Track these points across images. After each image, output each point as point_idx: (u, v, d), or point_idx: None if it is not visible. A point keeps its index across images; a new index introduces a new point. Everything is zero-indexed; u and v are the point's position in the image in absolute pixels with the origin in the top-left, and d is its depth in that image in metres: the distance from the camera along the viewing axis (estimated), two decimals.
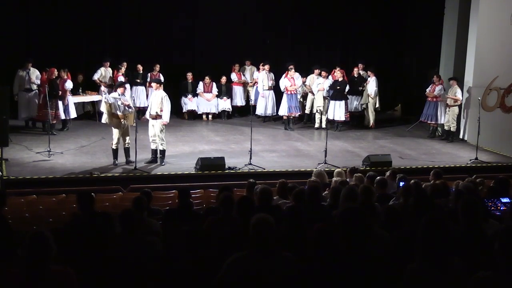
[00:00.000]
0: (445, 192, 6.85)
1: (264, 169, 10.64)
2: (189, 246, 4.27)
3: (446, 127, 14.01)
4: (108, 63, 14.66)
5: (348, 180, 8.02)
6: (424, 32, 16.75)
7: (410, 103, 17.00)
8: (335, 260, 3.40)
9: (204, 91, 15.59)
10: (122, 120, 10.49)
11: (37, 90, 13.21)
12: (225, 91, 15.77)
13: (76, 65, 14.73)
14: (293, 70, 14.53)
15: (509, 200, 6.33)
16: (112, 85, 13.63)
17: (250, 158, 10.79)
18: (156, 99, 10.66)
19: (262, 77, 15.20)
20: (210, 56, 16.20)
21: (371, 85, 15.02)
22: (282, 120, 15.01)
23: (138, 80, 15.03)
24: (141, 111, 13.98)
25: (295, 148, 12.61)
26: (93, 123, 14.34)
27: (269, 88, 15.21)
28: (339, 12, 17.32)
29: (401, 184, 7.45)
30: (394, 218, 4.97)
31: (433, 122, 14.21)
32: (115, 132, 10.51)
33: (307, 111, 15.40)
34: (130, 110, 10.53)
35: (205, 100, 15.60)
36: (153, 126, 10.69)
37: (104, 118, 10.84)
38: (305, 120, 15.57)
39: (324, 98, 14.69)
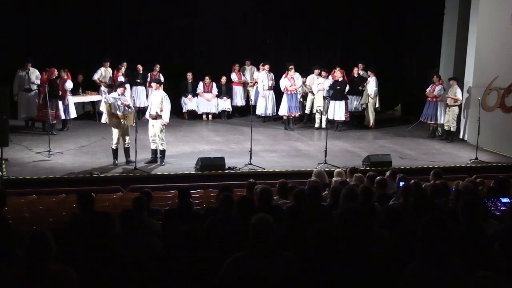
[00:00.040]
0: (445, 192, 6.85)
1: (264, 169, 10.64)
2: (189, 246, 4.27)
3: (446, 127, 14.01)
4: (108, 63, 14.66)
5: (348, 180, 8.02)
6: (424, 32, 16.75)
7: (410, 103, 17.00)
8: (335, 260, 3.40)
9: (204, 91, 15.59)
10: (121, 120, 10.49)
11: (37, 90, 13.21)
12: (225, 91, 15.77)
13: (76, 65, 14.73)
14: (293, 70, 14.53)
15: (509, 200, 6.33)
16: (112, 85, 13.63)
17: (250, 158, 10.79)
18: (156, 99, 10.66)
19: (262, 77, 15.20)
20: (210, 56, 16.21)
21: (371, 85, 15.02)
22: (282, 120, 15.01)
23: (138, 80, 15.03)
24: (141, 111, 13.98)
25: (295, 148, 12.61)
26: (93, 123, 14.34)
27: (269, 88, 15.21)
28: (339, 12, 17.32)
29: (401, 184, 7.45)
30: (394, 218, 4.97)
31: (433, 122, 14.21)
32: (115, 132, 10.51)
33: (307, 111, 15.40)
34: (130, 110, 10.53)
35: (205, 100, 15.60)
36: (153, 126, 10.69)
37: (104, 118, 10.84)
38: (305, 120, 15.57)
39: (324, 98, 14.69)
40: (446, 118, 13.89)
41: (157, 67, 15.04)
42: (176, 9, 15.99)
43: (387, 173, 8.19)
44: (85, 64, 15.32)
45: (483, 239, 4.13)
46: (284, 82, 14.53)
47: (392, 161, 11.05)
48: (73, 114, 13.66)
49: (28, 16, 15.05)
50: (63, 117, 13.30)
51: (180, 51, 16.47)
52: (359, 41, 17.51)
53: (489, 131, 12.70)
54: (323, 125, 14.21)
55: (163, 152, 10.81)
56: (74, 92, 14.01)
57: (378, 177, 7.41)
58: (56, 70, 13.03)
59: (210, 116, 15.73)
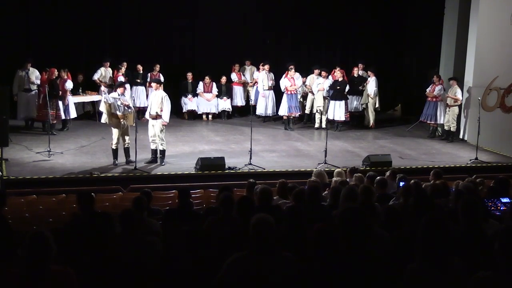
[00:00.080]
0: (445, 192, 6.85)
1: (264, 169, 10.64)
2: (189, 246, 4.28)
3: (446, 127, 14.01)
4: (108, 63, 14.66)
5: (348, 180, 8.02)
6: (424, 32, 16.75)
7: (410, 103, 17.00)
8: (335, 260, 3.40)
9: (204, 91, 15.59)
10: (121, 120, 10.49)
11: (36, 90, 13.21)
12: (225, 91, 15.77)
13: (76, 65, 14.73)
14: (293, 70, 14.53)
15: (509, 200, 6.33)
16: (112, 85, 13.63)
17: (250, 158, 10.79)
18: (156, 99, 10.66)
19: (262, 77, 15.20)
20: (210, 56, 16.20)
21: (371, 85, 15.03)
22: (282, 120, 15.01)
23: (138, 80, 15.03)
24: (141, 111, 13.97)
25: (295, 148, 12.61)
26: (93, 123, 14.34)
27: (269, 88, 15.21)
28: (339, 12, 17.31)
29: (401, 184, 7.45)
30: (394, 218, 4.97)
31: (433, 122, 14.22)
32: (115, 132, 10.51)
33: (307, 111, 15.40)
34: (129, 110, 10.53)
35: (205, 100, 15.61)
36: (153, 126, 10.68)
37: (104, 118, 10.84)
38: (305, 120, 15.57)
39: (324, 98, 14.69)
40: (446, 118, 13.89)
41: (157, 67, 15.04)
42: (176, 9, 16.00)
43: (387, 173, 8.19)
44: (85, 64, 15.31)
45: (483, 239, 4.13)
46: (284, 82, 14.53)
47: (392, 161, 11.05)
48: (73, 114, 13.66)
49: (28, 16, 15.04)
50: (63, 117, 13.30)
51: (180, 51, 16.48)
52: (359, 41, 17.51)
53: (489, 131, 12.70)
54: (323, 125, 14.21)
55: (163, 152, 10.80)
56: (74, 92, 14.01)
57: (378, 177, 7.41)
58: (56, 70, 13.03)
59: (210, 116, 15.73)
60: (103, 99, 11.39)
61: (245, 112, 15.84)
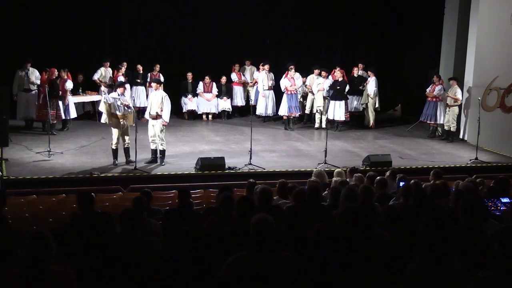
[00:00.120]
0: (445, 192, 6.85)
1: (264, 169, 10.64)
2: (189, 246, 4.27)
3: (446, 127, 14.01)
4: (108, 63, 14.66)
5: (348, 180, 8.02)
6: (424, 32, 16.74)
7: (410, 103, 17.00)
8: (335, 260, 3.40)
9: (204, 91, 15.59)
10: (121, 120, 10.49)
11: (36, 90, 13.21)
12: (225, 91, 15.77)
13: (76, 65, 14.73)
14: (293, 70, 14.53)
15: (509, 200, 6.33)
16: (112, 85, 13.64)
17: (250, 158, 10.79)
18: (156, 99, 10.65)
19: (262, 77, 15.20)
20: (210, 56, 16.20)
21: (371, 85, 15.03)
22: (282, 120, 15.01)
23: (138, 80, 15.04)
24: (141, 111, 13.96)
25: (295, 148, 12.61)
26: (93, 123, 14.34)
27: (269, 88, 15.21)
28: (339, 12, 17.31)
29: (401, 184, 7.45)
30: (394, 218, 4.97)
31: (433, 122, 14.22)
32: (115, 132, 10.51)
33: (307, 111, 15.39)
34: (129, 110, 10.53)
35: (205, 100, 15.61)
36: (153, 126, 10.68)
37: (104, 118, 10.84)
38: (305, 120, 15.57)
39: (324, 98, 14.69)
40: (446, 118, 13.89)
41: (157, 67, 15.05)
42: (176, 9, 16.00)
43: (387, 173, 8.19)
44: (85, 64, 15.32)
45: (483, 239, 4.13)
46: (284, 82, 14.53)
47: (392, 161, 11.05)
48: (73, 114, 13.65)
49: (28, 16, 15.04)
50: (63, 117, 13.30)
51: (180, 51, 16.47)
52: (359, 41, 17.52)
53: (489, 131, 12.70)
54: (323, 125, 14.21)
55: (163, 152, 10.80)
56: (74, 92, 14.01)
57: (378, 177, 7.41)
58: (56, 70, 13.03)
59: (210, 116, 15.73)
60: (102, 99, 11.39)
61: (245, 112, 15.84)
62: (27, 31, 15.08)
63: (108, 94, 11.03)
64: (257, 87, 15.56)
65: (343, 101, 14.44)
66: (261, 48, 16.75)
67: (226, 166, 10.53)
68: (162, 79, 13.73)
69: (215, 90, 15.60)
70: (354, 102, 15.23)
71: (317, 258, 3.64)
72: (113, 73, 14.64)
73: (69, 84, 13.30)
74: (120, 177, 10.03)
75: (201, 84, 15.58)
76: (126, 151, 10.67)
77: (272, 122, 15.51)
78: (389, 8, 17.18)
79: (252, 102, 13.72)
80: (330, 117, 14.48)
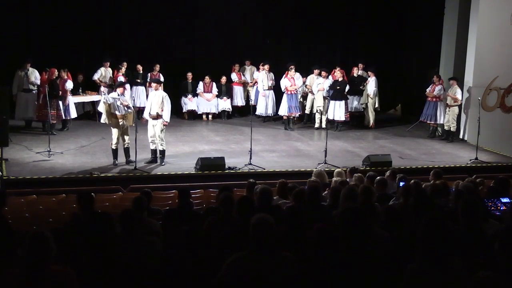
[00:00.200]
0: (445, 192, 6.85)
1: (264, 169, 10.63)
2: (189, 246, 4.27)
3: (446, 127, 14.01)
4: (108, 63, 14.67)
5: (348, 180, 8.02)
6: (424, 32, 16.74)
7: (410, 103, 17.00)
8: (335, 260, 3.40)
9: (204, 91, 15.59)
10: (120, 120, 10.49)
11: (36, 90, 13.21)
12: (225, 91, 15.77)
13: (76, 65, 14.72)
14: (293, 70, 14.53)
15: (509, 200, 6.33)
16: (112, 85, 13.64)
17: (250, 158, 10.79)
18: (156, 99, 10.65)
19: (262, 77, 15.20)
20: (210, 56, 16.20)
21: (371, 85, 15.03)
22: (282, 120, 15.01)
23: (138, 80, 15.04)
24: (141, 111, 13.94)
25: (295, 148, 12.61)
26: (93, 123, 14.34)
27: (269, 88, 15.22)
28: (339, 12, 17.31)
29: (401, 184, 7.44)
30: (394, 218, 4.97)
31: (433, 122, 14.22)
32: (115, 132, 10.51)
33: (307, 111, 15.40)
34: (129, 110, 10.53)
35: (205, 100, 15.61)
36: (154, 126, 10.67)
37: (103, 118, 10.84)
38: (305, 120, 15.57)
39: (324, 98, 14.69)
40: (446, 118, 13.89)
41: (157, 67, 15.05)
42: (176, 9, 16.00)
43: (387, 173, 8.19)
44: (85, 64, 15.31)
45: (483, 239, 4.13)
46: (284, 82, 14.53)
47: (392, 161, 11.05)
48: (73, 114, 13.66)
49: (28, 16, 15.05)
50: (63, 117, 13.30)
51: (180, 51, 16.46)
52: (359, 41, 17.52)
53: (489, 131, 12.70)
54: (323, 125, 14.21)
55: (163, 152, 10.80)
56: (74, 92, 14.01)
57: (378, 177, 7.41)
58: (56, 70, 13.03)
59: (210, 116, 15.73)
60: (102, 99, 11.40)
61: (245, 112, 15.84)
62: (27, 31, 15.09)
63: (108, 94, 11.03)
64: (257, 87, 15.56)
65: (343, 101, 14.45)
66: (261, 48, 16.76)
67: (226, 166, 10.53)
68: (162, 79, 13.73)
69: (215, 90, 15.60)
70: (354, 102, 15.24)
71: (317, 258, 3.64)
72: (113, 73, 14.64)
73: (69, 84, 13.30)
74: (120, 177, 10.03)
75: (201, 84, 15.58)
76: (126, 151, 10.67)
77: (272, 122, 15.51)
78: (389, 8, 17.18)
79: (252, 102, 13.71)
80: (330, 117, 14.49)
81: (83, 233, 4.90)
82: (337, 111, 14.38)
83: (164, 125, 10.67)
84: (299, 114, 15.08)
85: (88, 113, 15.11)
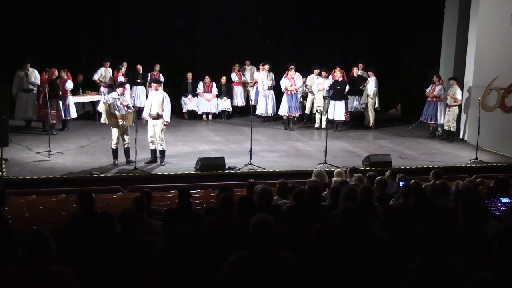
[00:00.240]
0: (445, 192, 6.85)
1: (264, 169, 10.63)
2: (189, 246, 4.27)
3: (446, 127, 14.01)
4: (108, 63, 14.67)
5: (348, 180, 8.02)
6: (424, 32, 16.74)
7: (410, 103, 17.00)
8: (335, 260, 3.40)
9: (204, 91, 15.59)
10: (120, 120, 10.48)
11: (36, 91, 13.20)
12: (225, 91, 15.77)
13: (76, 65, 14.73)
14: (293, 70, 14.53)
15: (509, 200, 6.33)
16: (112, 85, 13.64)
17: (250, 158, 10.79)
18: (156, 99, 10.65)
19: (262, 77, 15.20)
20: (210, 56, 16.20)
21: (371, 85, 15.03)
22: (282, 120, 15.02)
23: (138, 80, 15.04)
24: (141, 111, 13.95)
25: (295, 148, 12.61)
26: (93, 123, 14.34)
27: (269, 88, 15.21)
28: (339, 12, 17.31)
29: (401, 184, 7.44)
30: (394, 218, 4.97)
31: (433, 122, 14.22)
32: (115, 132, 10.51)
33: (307, 111, 15.39)
34: (129, 110, 10.53)
35: (205, 100, 15.61)
36: (154, 126, 10.67)
37: (103, 118, 10.84)
38: (305, 120, 15.57)
39: (324, 98, 14.70)
40: (446, 118, 13.89)
41: (157, 67, 15.05)
42: (176, 9, 15.99)
43: (387, 173, 8.19)
44: (85, 64, 15.31)
45: (483, 239, 4.13)
46: (284, 82, 14.53)
47: (392, 161, 11.05)
48: (73, 114, 13.65)
49: (28, 16, 15.05)
50: (63, 117, 13.30)
51: (180, 52, 16.47)
52: (359, 41, 17.52)
53: (489, 131, 12.70)
54: (323, 125, 14.21)
55: (162, 152, 10.80)
56: (74, 92, 14.01)
57: (378, 177, 7.41)
58: (56, 70, 13.03)
59: (210, 116, 15.73)
60: (102, 99, 11.40)
61: (245, 112, 15.84)
62: (27, 31, 15.08)
63: (108, 94, 11.03)
64: (257, 87, 15.56)
65: (343, 101, 14.45)
66: (261, 48, 16.76)
67: (226, 166, 10.53)
68: (162, 79, 13.73)
69: (215, 90, 15.60)
70: (354, 102, 15.24)
71: (317, 258, 3.64)
72: (113, 73, 14.64)
73: (69, 84, 13.30)
74: (120, 177, 10.03)
75: (201, 84, 15.58)
76: (126, 151, 10.67)
77: (272, 122, 15.51)
78: (389, 8, 17.17)
79: (252, 102, 13.70)
80: (330, 117, 14.49)
81: (83, 233, 4.90)
82: (337, 111, 14.38)
83: (164, 125, 10.67)
84: (299, 114, 15.08)
85: (88, 113, 15.11)
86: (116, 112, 10.45)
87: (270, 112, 15.38)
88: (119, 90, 10.58)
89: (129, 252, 4.49)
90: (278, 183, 7.32)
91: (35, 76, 13.22)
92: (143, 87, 15.05)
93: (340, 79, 14.50)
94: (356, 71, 15.29)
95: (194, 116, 15.68)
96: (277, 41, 17.06)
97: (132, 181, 9.89)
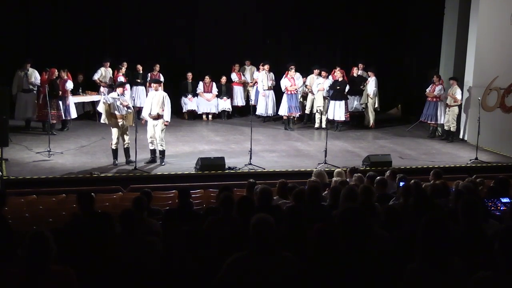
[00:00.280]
0: (445, 192, 6.85)
1: (264, 169, 10.63)
2: (189, 246, 4.27)
3: (446, 127, 14.01)
4: (108, 63, 14.67)
5: (348, 180, 8.02)
6: (424, 32, 16.75)
7: (410, 103, 17.01)
8: (335, 260, 3.40)
9: (204, 91, 15.59)
10: (120, 120, 10.48)
11: (36, 91, 13.20)
12: (225, 91, 15.77)
13: (76, 65, 14.73)
14: (293, 70, 14.53)
15: (509, 200, 6.33)
16: (112, 85, 13.64)
17: (250, 158, 10.79)
18: (156, 99, 10.65)
19: (261, 77, 15.20)
20: (210, 56, 16.20)
21: (371, 85, 15.03)
22: (282, 120, 15.02)
23: (138, 80, 15.04)
24: (141, 111, 13.94)
25: (295, 148, 12.61)
26: (93, 123, 14.34)
27: (269, 88, 15.22)
28: (339, 12, 17.31)
29: (401, 184, 7.44)
30: (394, 218, 4.97)
31: (433, 122, 14.22)
32: (115, 132, 10.52)
33: (307, 111, 15.39)
34: (129, 110, 10.53)
35: (205, 100, 15.61)
36: (154, 127, 10.67)
37: (103, 118, 10.84)
38: (305, 120, 15.57)
39: (324, 98, 14.70)
40: (446, 118, 13.89)
41: (157, 67, 15.05)
42: (176, 9, 15.99)
43: (387, 173, 8.19)
44: (85, 64, 15.32)
45: (483, 239, 4.13)
46: (284, 82, 14.53)
47: (392, 161, 11.05)
48: (73, 114, 13.65)
49: (28, 16, 15.05)
50: (63, 117, 13.30)
51: (180, 51, 16.47)
52: (359, 41, 17.51)
53: (489, 131, 12.70)
54: (323, 125, 14.21)
55: (162, 152, 10.80)
56: (74, 92, 14.00)
57: (378, 177, 7.41)
58: (56, 70, 13.03)
59: (210, 116, 15.73)
60: (102, 99, 11.40)
61: (245, 112, 15.84)
62: (27, 31, 15.08)
63: (108, 94, 11.03)
64: (257, 87, 15.56)
65: (343, 101, 14.45)
66: (261, 48, 16.76)
67: (226, 166, 10.53)
68: (162, 79, 13.74)
69: (215, 90, 15.60)
70: (354, 102, 15.24)
71: (317, 258, 3.64)
72: (113, 73, 14.64)
73: (69, 84, 13.29)
74: (120, 177, 10.03)
75: (201, 84, 15.58)
76: (126, 151, 10.67)
77: (272, 122, 15.51)
78: (389, 8, 17.17)
79: (252, 102, 13.71)
80: (330, 117, 14.49)
81: (83, 233, 4.90)
82: (337, 111, 14.38)
83: (165, 125, 10.68)
84: (299, 114, 15.09)
85: (88, 113, 15.11)
86: (116, 112, 10.45)
87: (270, 112, 15.38)
88: (119, 90, 10.58)
89: (129, 252, 4.49)
90: (278, 183, 7.32)
91: (35, 76, 13.22)
92: (143, 87, 15.05)
93: (340, 79, 14.49)
94: (356, 71, 15.29)
95: (194, 116, 15.68)
96: (277, 41, 17.06)
97: (132, 181, 9.89)
